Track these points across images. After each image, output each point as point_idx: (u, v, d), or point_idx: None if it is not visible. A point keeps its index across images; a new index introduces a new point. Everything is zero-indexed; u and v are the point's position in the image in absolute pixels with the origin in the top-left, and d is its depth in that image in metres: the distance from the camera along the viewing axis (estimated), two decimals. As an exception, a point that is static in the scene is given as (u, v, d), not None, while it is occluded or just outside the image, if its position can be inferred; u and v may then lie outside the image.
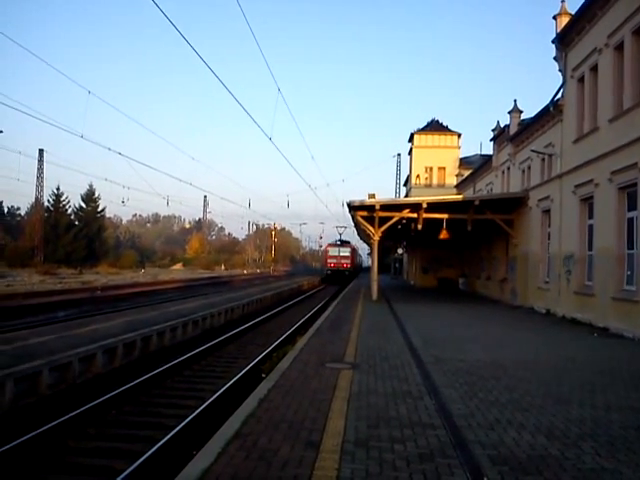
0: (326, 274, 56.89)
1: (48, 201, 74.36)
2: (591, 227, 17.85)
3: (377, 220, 25.63)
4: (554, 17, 20.81)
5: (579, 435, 5.84)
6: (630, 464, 5.00)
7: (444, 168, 50.54)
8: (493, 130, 32.89)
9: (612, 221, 15.97)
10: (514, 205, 25.31)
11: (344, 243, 58.84)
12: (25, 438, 6.88)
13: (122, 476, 5.83)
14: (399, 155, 61.84)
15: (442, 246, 35.84)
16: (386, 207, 25.84)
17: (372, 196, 28.00)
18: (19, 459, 6.48)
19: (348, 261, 56.95)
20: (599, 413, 6.77)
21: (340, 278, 53.33)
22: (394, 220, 25.94)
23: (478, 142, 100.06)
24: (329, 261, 56.94)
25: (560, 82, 20.51)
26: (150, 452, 6.56)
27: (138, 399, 9.57)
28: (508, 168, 28.80)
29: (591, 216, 17.88)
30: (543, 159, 22.54)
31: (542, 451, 5.30)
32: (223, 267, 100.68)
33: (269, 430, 5.76)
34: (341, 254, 56.53)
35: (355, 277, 58.98)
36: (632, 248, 15.09)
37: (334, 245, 58.05)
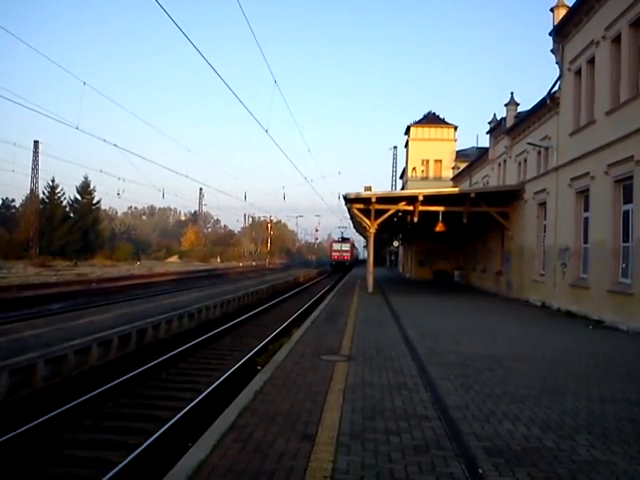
0: (331, 264, 72.37)
1: (43, 193, 74.27)
2: (587, 220, 17.87)
3: (373, 213, 25.62)
4: (551, 9, 20.72)
5: (574, 427, 5.86)
6: (624, 456, 5.01)
7: (440, 161, 50.53)
8: (489, 123, 32.84)
9: (608, 214, 15.98)
10: (510, 198, 25.31)
11: (345, 240, 74.11)
12: (20, 430, 6.86)
13: (118, 468, 5.82)
14: (395, 148, 62.01)
15: (438, 239, 35.87)
16: (382, 200, 25.82)
17: (368, 189, 27.98)
18: (14, 451, 6.46)
19: (348, 254, 72.47)
20: (594, 405, 6.79)
21: (342, 267, 67.31)
22: (390, 213, 25.93)
23: (474, 135, 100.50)
24: (333, 254, 73.13)
25: (557, 75, 20.49)
26: (146, 444, 6.55)
27: (133, 391, 9.56)
28: (504, 161, 28.80)
29: (587, 209, 17.90)
30: (539, 152, 22.53)
31: (537, 443, 5.31)
32: (219, 260, 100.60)
33: (265, 422, 5.76)
34: (343, 249, 72.17)
35: (354, 267, 70.68)
36: (627, 241, 15.11)
37: (337, 241, 74.88)
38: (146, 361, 11.33)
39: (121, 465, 5.90)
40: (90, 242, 78.99)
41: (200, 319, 18.32)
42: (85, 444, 6.99)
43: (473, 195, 25.15)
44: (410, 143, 52.58)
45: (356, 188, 28.02)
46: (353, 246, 78.08)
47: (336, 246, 73.72)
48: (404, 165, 56.89)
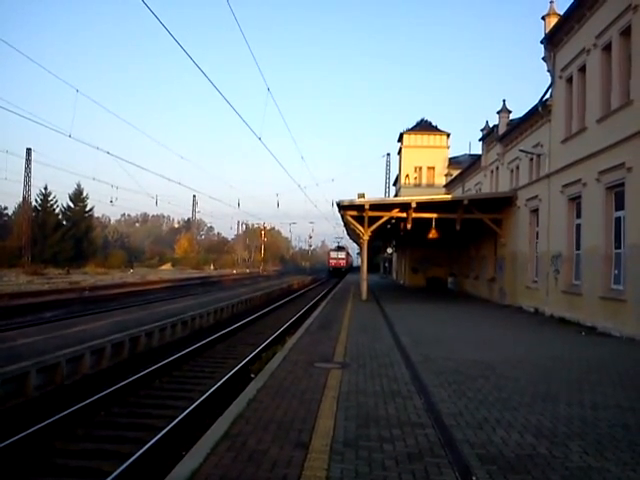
0: (328, 270, 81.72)
1: (36, 201, 73.84)
2: (579, 226, 17.96)
3: (366, 220, 25.65)
4: (543, 17, 20.90)
5: (567, 434, 5.87)
6: (617, 462, 5.03)
7: (433, 168, 50.65)
8: (482, 130, 33.00)
9: (600, 220, 16.07)
10: (502, 205, 25.42)
11: (341, 248, 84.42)
12: (12, 440, 6.81)
13: (110, 478, 5.78)
14: (388, 155, 62.04)
15: (431, 246, 35.95)
16: (375, 207, 25.87)
17: (361, 196, 28.00)
18: (6, 461, 6.41)
19: (344, 262, 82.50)
20: (587, 412, 6.81)
21: (338, 273, 75.46)
22: (383, 220, 25.98)
23: (467, 142, 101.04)
24: (331, 261, 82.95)
25: (549, 82, 20.63)
26: (139, 453, 6.51)
27: (126, 400, 9.51)
28: (497, 168, 28.93)
29: (579, 215, 18.00)
30: (531, 159, 22.66)
31: (530, 450, 5.32)
32: (212, 267, 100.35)
33: (258, 431, 5.74)
34: (339, 257, 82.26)
35: (348, 272, 79.74)
36: (619, 247, 15.20)
37: (334, 250, 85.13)
38: (139, 369, 11.28)
39: (113, 475, 5.86)
40: (83, 250, 78.64)
41: (194, 327, 18.27)
42: (77, 454, 6.94)
43: (466, 202, 25.23)
44: (403, 150, 52.70)
45: (349, 195, 28.23)
46: (348, 254, 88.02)
47: (333, 254, 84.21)
48: (397, 172, 57.00)
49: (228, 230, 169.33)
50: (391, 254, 64.50)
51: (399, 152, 54.81)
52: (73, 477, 6.26)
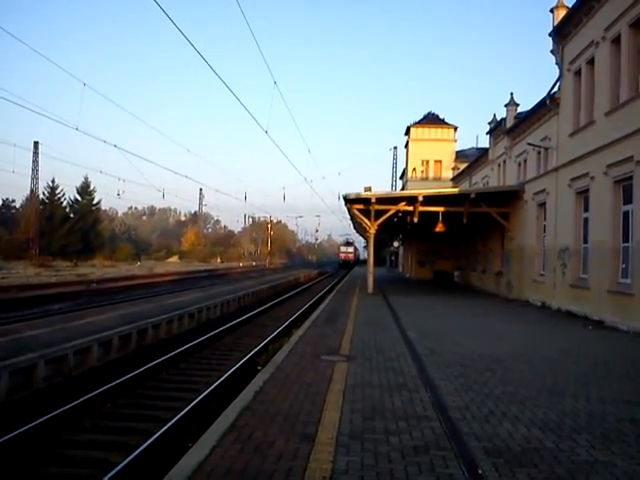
0: (338, 263, 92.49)
1: (43, 193, 74.28)
2: (586, 220, 17.88)
3: (373, 213, 25.61)
4: (551, 10, 20.73)
5: (573, 428, 5.86)
6: (624, 456, 5.02)
7: (440, 161, 50.48)
8: (489, 123, 32.83)
9: (607, 214, 15.98)
10: (510, 198, 25.30)
11: (349, 244, 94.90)
12: (20, 431, 6.86)
13: (117, 469, 5.82)
14: (395, 148, 61.97)
15: (438, 239, 35.86)
16: (382, 200, 25.80)
17: (368, 189, 27.92)
18: (13, 452, 6.46)
19: (352, 255, 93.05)
20: (593, 406, 6.79)
21: (347, 265, 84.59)
22: (390, 213, 25.92)
23: (474, 135, 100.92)
24: (341, 255, 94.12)
25: (557, 75, 20.49)
26: (145, 445, 6.54)
27: (133, 392, 9.55)
28: (504, 161, 28.80)
29: (587, 209, 17.91)
30: (539, 152, 22.54)
31: (537, 443, 5.31)
32: (219, 260, 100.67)
33: (264, 423, 5.76)
34: (347, 251, 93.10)
35: (356, 265, 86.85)
36: (627, 241, 15.12)
37: (344, 245, 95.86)
38: (146, 361, 11.33)
39: (121, 465, 5.90)
40: (90, 242, 78.99)
41: (200, 319, 18.31)
42: (85, 445, 6.98)
43: (473, 195, 25.13)
44: (410, 143, 52.55)
45: (356, 188, 28.14)
46: (355, 248, 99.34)
47: (343, 249, 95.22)
48: (404, 165, 56.90)
49: (235, 223, 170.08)
50: (397, 247, 64.47)
51: (406, 145, 54.66)
52: (80, 468, 6.30)
